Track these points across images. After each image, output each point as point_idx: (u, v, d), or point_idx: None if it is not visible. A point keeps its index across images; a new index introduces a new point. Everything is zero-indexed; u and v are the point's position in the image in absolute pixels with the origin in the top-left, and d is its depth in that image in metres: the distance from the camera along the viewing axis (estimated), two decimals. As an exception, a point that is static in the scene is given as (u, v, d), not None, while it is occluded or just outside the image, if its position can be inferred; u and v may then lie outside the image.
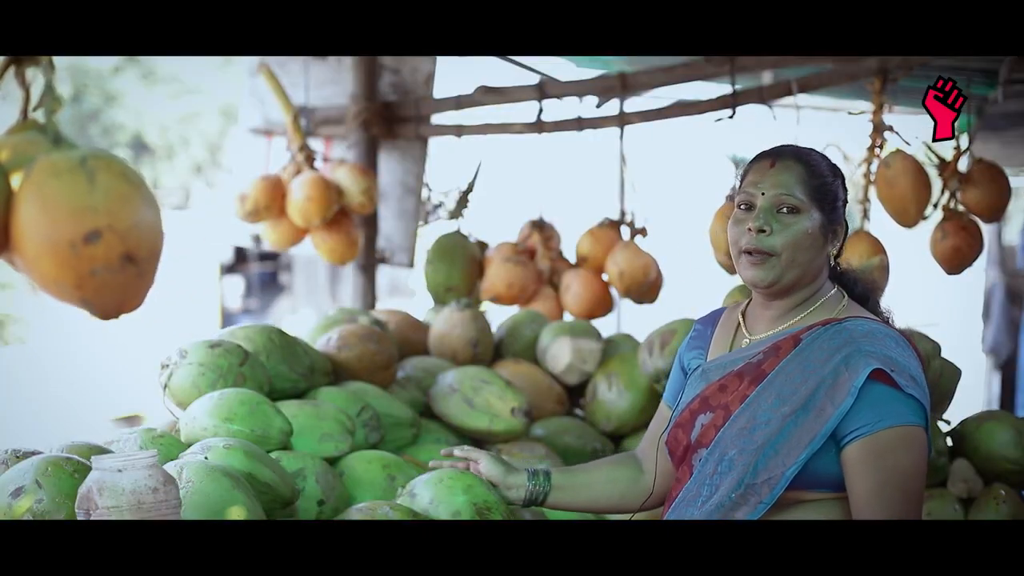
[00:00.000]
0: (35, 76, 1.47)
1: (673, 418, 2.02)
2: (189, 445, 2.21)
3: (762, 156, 1.99)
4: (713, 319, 2.12)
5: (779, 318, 1.97)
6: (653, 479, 2.13)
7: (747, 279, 1.93)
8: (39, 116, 1.49)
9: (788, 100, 3.54)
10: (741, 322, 2.04)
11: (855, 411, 1.80)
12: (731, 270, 3.56)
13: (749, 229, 1.91)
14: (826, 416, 1.81)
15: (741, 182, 1.99)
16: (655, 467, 2.14)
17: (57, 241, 1.31)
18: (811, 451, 1.82)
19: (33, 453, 2.16)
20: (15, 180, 1.36)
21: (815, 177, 1.93)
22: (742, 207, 1.95)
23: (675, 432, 2.00)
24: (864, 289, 2.03)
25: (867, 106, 3.32)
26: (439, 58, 3.97)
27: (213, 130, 21.20)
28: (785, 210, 1.90)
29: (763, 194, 1.92)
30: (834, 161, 2.01)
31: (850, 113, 3.41)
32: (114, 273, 1.32)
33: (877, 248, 3.23)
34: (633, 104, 4.06)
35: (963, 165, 3.53)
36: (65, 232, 1.31)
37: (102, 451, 2.28)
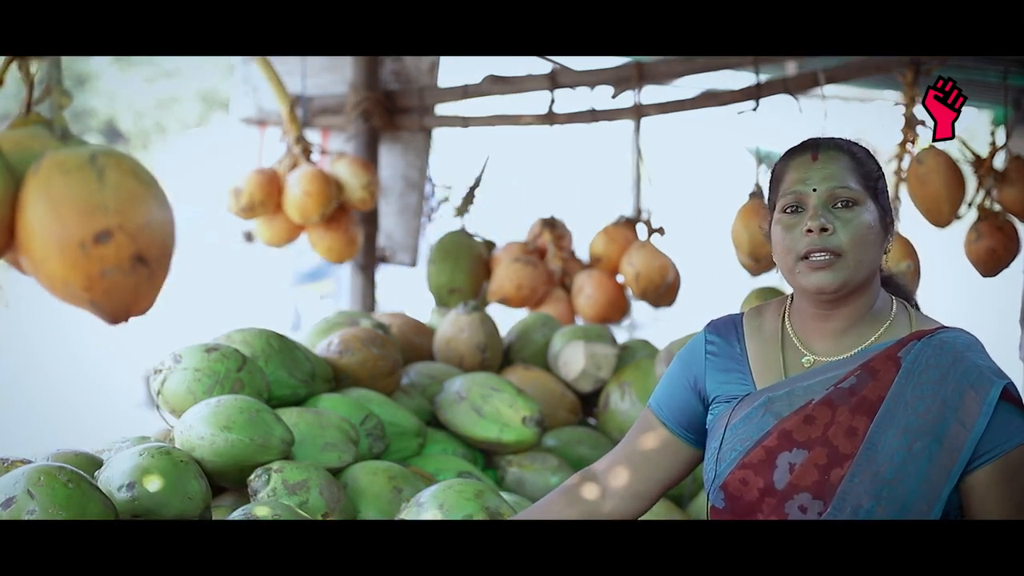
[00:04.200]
0: (39, 69, 1.53)
1: (732, 458, 1.85)
2: (183, 457, 2.23)
3: (798, 151, 1.91)
4: (733, 331, 1.97)
5: (845, 332, 1.88)
6: (623, 504, 2.01)
7: (811, 287, 1.82)
8: (41, 109, 1.54)
9: (814, 90, 3.58)
10: (792, 337, 1.92)
11: (984, 433, 1.75)
12: (754, 272, 3.62)
13: (808, 230, 1.81)
14: (960, 443, 1.75)
15: (778, 184, 1.90)
16: (623, 487, 2.00)
17: (66, 241, 1.35)
18: (949, 488, 1.75)
19: (23, 461, 2.21)
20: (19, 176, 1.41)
21: (863, 165, 1.87)
22: (789, 210, 1.86)
23: (741, 474, 1.83)
24: (907, 294, 2.00)
25: (897, 96, 3.37)
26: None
27: (192, 117, 21.20)
28: (841, 204, 1.83)
29: (814, 190, 1.84)
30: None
31: (895, 104, 3.46)
32: (124, 275, 1.37)
33: (907, 250, 3.27)
34: (650, 94, 4.10)
35: (999, 162, 3.58)
36: (74, 232, 1.35)
37: (93, 459, 2.34)
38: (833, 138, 1.92)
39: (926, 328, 1.87)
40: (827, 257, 1.81)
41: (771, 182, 1.95)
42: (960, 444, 1.76)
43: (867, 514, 1.75)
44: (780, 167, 1.92)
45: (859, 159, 1.88)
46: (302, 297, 10.35)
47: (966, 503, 1.79)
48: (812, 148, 1.89)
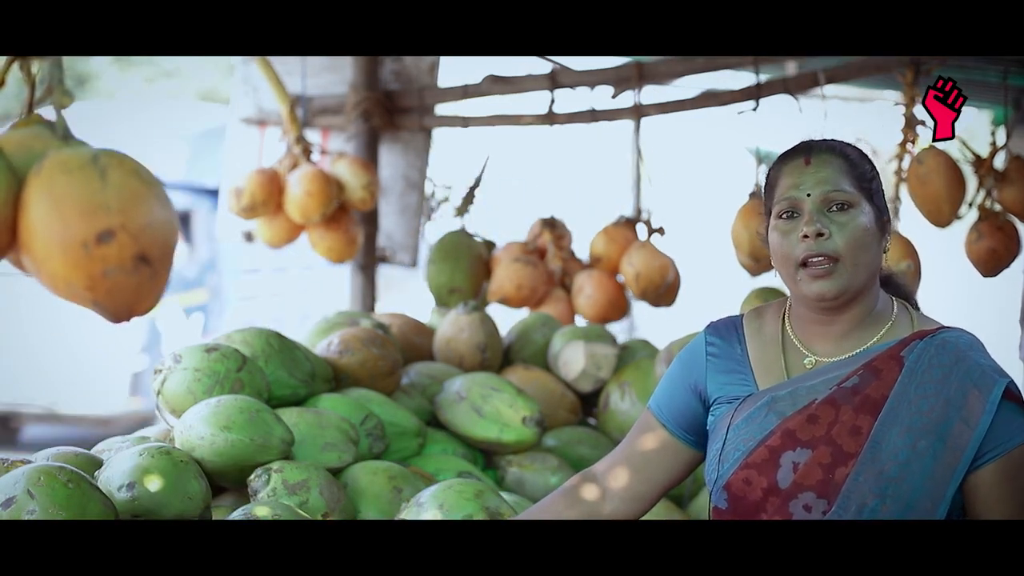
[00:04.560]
0: (40, 69, 1.53)
1: (735, 458, 1.86)
2: (183, 457, 2.23)
3: (790, 155, 1.90)
4: (734, 332, 1.97)
5: (848, 334, 1.88)
6: (623, 505, 2.01)
7: (812, 294, 1.83)
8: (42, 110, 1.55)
9: (814, 90, 3.59)
10: (793, 339, 1.93)
11: (988, 431, 1.76)
12: (754, 271, 3.63)
13: (804, 236, 1.81)
14: (964, 441, 1.76)
15: (772, 189, 1.91)
16: (623, 488, 2.00)
17: (68, 241, 1.36)
18: (954, 487, 1.76)
19: (23, 461, 2.21)
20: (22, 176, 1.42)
21: (856, 167, 1.87)
22: (784, 215, 1.86)
23: (744, 474, 1.84)
24: (907, 294, 2.01)
25: (897, 96, 3.38)
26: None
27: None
28: (835, 207, 1.83)
29: (808, 195, 1.84)
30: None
31: (895, 104, 3.46)
32: (127, 274, 1.38)
33: (908, 250, 3.28)
34: (650, 94, 4.11)
35: (999, 162, 3.58)
36: (77, 231, 1.36)
37: (93, 459, 2.34)
38: (826, 140, 1.92)
39: (927, 328, 1.88)
40: (826, 264, 1.82)
41: (766, 187, 1.95)
42: (964, 443, 1.77)
43: (872, 512, 1.76)
44: (774, 172, 1.93)
45: (852, 161, 1.88)
46: (163, 311, 9.00)
47: (969, 502, 1.80)
48: (804, 152, 1.89)
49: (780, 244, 1.86)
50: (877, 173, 1.91)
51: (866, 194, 1.86)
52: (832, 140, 1.92)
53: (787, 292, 1.95)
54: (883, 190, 1.92)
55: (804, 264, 1.83)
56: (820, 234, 1.81)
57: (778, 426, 1.83)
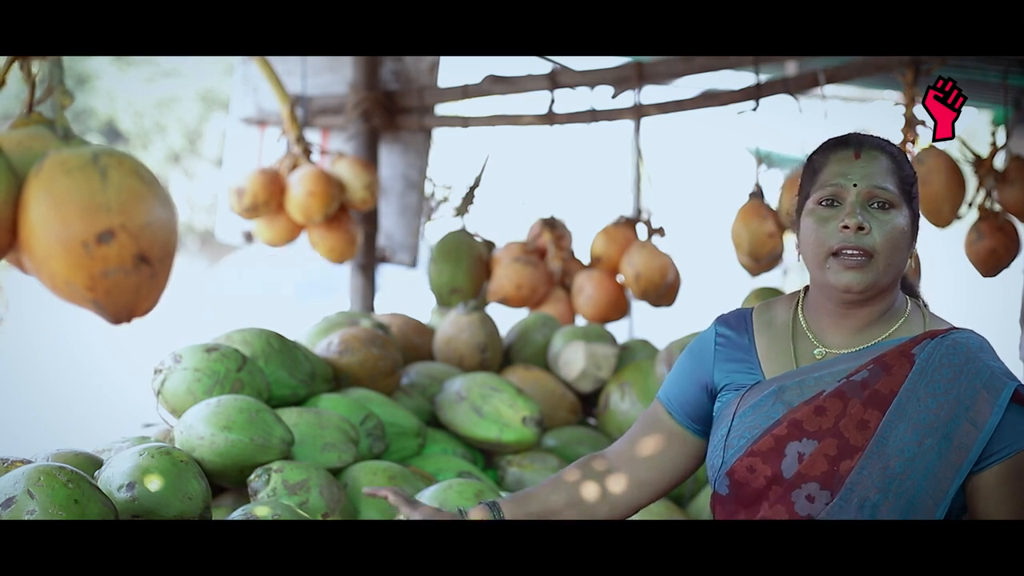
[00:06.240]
0: (40, 68, 1.53)
1: (740, 445, 1.86)
2: (183, 457, 2.23)
3: (840, 144, 1.90)
4: (743, 323, 1.98)
5: (863, 329, 1.89)
6: (631, 490, 2.01)
7: (840, 285, 1.82)
8: (43, 109, 1.55)
9: (814, 90, 3.59)
10: (805, 329, 1.94)
11: (994, 433, 1.77)
12: (754, 272, 3.63)
13: (844, 227, 1.81)
14: (970, 441, 1.77)
15: (814, 175, 1.90)
16: (636, 475, 2.00)
17: (69, 241, 1.36)
18: (956, 486, 1.77)
19: (23, 461, 2.21)
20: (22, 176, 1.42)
21: (901, 168, 1.87)
22: (825, 203, 1.85)
23: (748, 462, 1.84)
24: (910, 285, 2.01)
25: (897, 96, 3.38)
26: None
27: (192, 116, 21.21)
28: (877, 204, 1.83)
29: (854, 186, 1.83)
30: None
31: (895, 104, 3.46)
32: (127, 274, 1.37)
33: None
34: (650, 94, 4.11)
35: (999, 162, 3.58)
36: (77, 231, 1.36)
37: (93, 459, 2.34)
38: (875, 137, 1.92)
39: (939, 328, 1.89)
40: (860, 257, 1.81)
41: (805, 172, 1.94)
42: (970, 443, 1.77)
43: (873, 507, 1.77)
44: (819, 159, 1.91)
45: (898, 161, 1.88)
46: None
47: (971, 503, 1.81)
48: (855, 145, 1.88)
49: (815, 230, 1.85)
50: (916, 178, 1.92)
51: (906, 197, 1.87)
52: (880, 138, 1.92)
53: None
54: (919, 196, 1.92)
55: (836, 254, 1.83)
56: (861, 228, 1.81)
57: (785, 415, 1.84)
